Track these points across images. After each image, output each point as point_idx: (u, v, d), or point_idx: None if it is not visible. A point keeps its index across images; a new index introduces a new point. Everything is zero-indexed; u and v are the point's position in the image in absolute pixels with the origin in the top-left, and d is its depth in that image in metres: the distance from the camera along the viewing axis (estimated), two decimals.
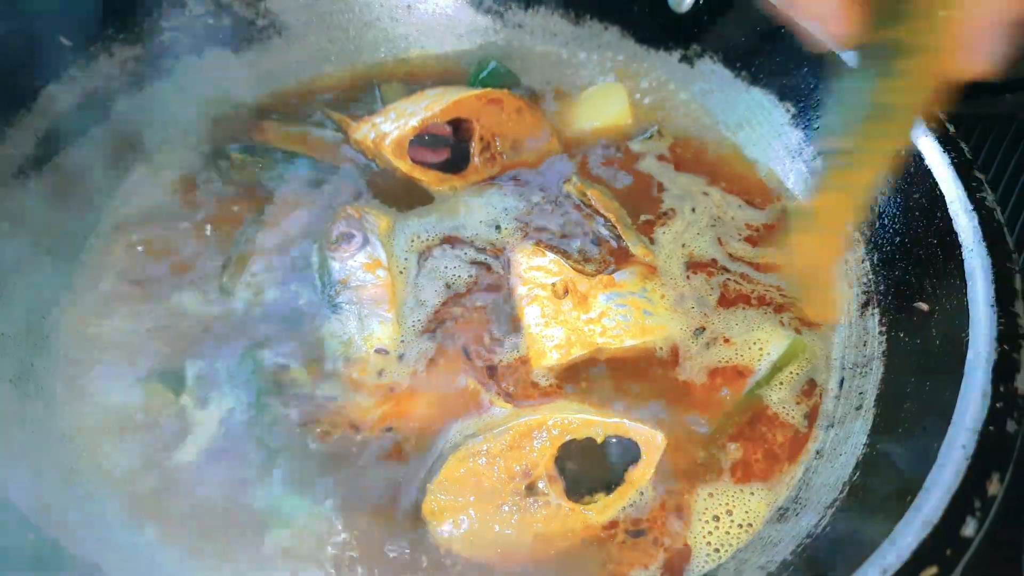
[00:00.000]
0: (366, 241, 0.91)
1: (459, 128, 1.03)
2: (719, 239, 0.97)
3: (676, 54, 1.13)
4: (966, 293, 0.76)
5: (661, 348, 0.87)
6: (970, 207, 0.81)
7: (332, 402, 0.81)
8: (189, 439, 0.78)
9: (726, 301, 0.92)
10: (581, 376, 0.85)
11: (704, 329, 0.88)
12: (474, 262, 0.93)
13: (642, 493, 0.77)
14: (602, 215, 0.97)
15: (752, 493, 0.78)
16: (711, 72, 1.10)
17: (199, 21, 1.08)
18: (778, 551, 0.70)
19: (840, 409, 0.82)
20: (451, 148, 1.03)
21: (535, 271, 0.90)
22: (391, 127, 1.01)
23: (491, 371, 0.85)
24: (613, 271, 0.91)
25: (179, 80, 1.07)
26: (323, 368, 0.83)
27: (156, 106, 1.04)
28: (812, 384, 0.86)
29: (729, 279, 0.94)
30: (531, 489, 0.74)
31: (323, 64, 1.16)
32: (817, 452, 0.80)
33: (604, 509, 0.75)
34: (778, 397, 0.84)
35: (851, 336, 0.88)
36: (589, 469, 0.76)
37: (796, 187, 1.02)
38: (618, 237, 0.95)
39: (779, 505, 0.77)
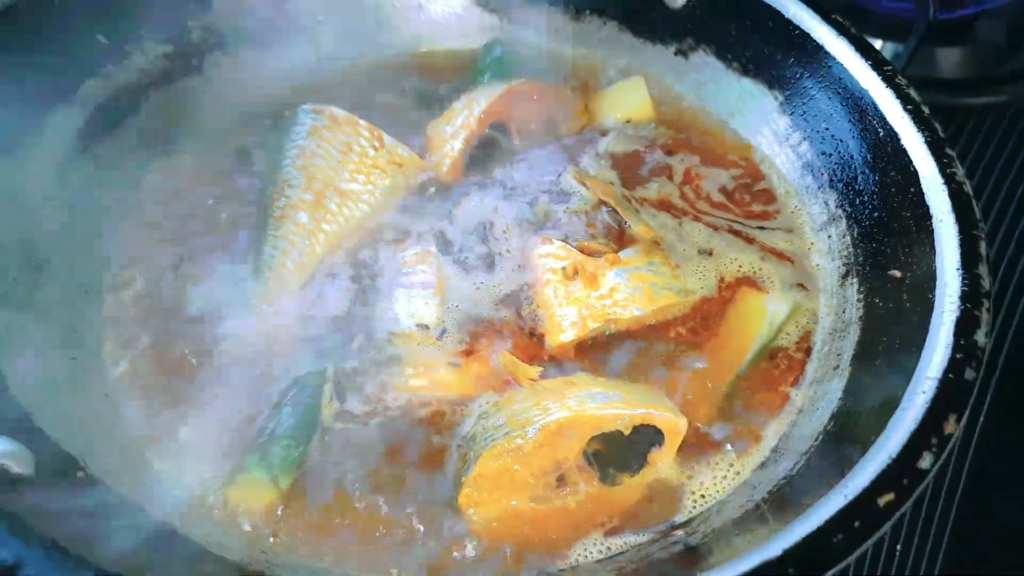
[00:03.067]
0: (419, 238, 1.01)
1: (496, 127, 1.11)
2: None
3: (671, 47, 1.19)
4: (935, 259, 0.81)
5: (673, 314, 0.94)
6: (941, 181, 0.86)
7: (371, 371, 0.89)
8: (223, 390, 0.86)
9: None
10: (599, 348, 0.92)
11: (708, 293, 0.96)
12: (490, 256, 0.99)
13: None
14: (603, 200, 1.03)
15: (742, 449, 0.84)
16: (704, 64, 1.17)
17: (224, 21, 1.16)
18: (756, 492, 0.76)
19: (820, 370, 0.88)
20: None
21: (545, 258, 0.96)
22: (439, 156, 1.09)
23: (517, 350, 0.91)
24: (618, 250, 0.97)
25: (207, 76, 1.15)
26: (366, 340, 0.91)
27: (186, 100, 1.12)
28: (799, 346, 0.92)
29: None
30: (561, 480, 0.80)
31: (340, 61, 1.23)
32: (799, 409, 0.86)
33: (630, 490, 0.81)
34: (774, 358, 0.91)
35: (832, 304, 0.94)
36: (613, 452, 0.82)
37: (784, 169, 1.08)
38: (620, 220, 1.01)
39: (762, 457, 0.83)
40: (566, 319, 0.93)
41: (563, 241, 0.97)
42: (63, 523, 0.62)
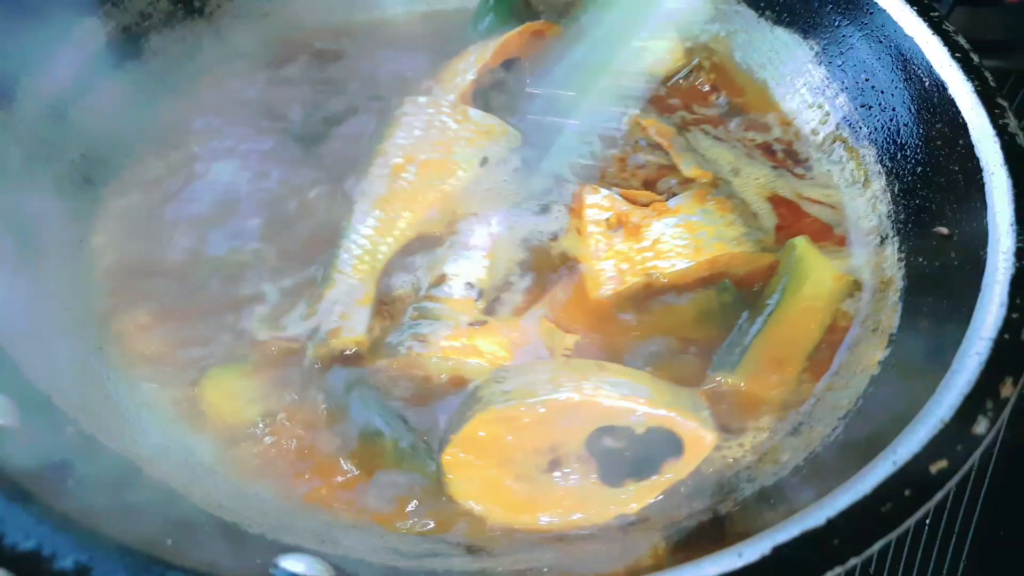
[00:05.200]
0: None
1: (510, 68, 1.04)
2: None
3: None
4: (986, 215, 0.76)
5: (726, 267, 0.87)
6: (993, 132, 0.80)
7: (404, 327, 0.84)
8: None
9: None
10: (638, 308, 0.86)
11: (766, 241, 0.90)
12: (536, 208, 0.93)
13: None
14: (656, 142, 0.97)
15: (772, 413, 0.79)
16: (735, 13, 1.10)
17: None
18: (791, 459, 0.71)
19: (855, 333, 0.83)
20: None
21: (590, 208, 0.90)
22: (448, 88, 1.02)
23: (558, 310, 0.85)
24: (667, 198, 0.91)
25: (211, 21, 1.09)
26: (405, 294, 0.87)
27: (189, 45, 1.08)
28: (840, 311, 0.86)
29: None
30: (554, 465, 0.72)
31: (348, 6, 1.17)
32: (834, 371, 0.81)
33: (633, 498, 0.72)
34: None
35: (869, 264, 0.88)
36: (626, 452, 0.73)
37: (819, 123, 1.02)
38: (673, 163, 0.95)
39: (793, 423, 0.78)
40: (604, 273, 0.87)
41: (609, 189, 0.91)
42: (47, 480, 0.58)
